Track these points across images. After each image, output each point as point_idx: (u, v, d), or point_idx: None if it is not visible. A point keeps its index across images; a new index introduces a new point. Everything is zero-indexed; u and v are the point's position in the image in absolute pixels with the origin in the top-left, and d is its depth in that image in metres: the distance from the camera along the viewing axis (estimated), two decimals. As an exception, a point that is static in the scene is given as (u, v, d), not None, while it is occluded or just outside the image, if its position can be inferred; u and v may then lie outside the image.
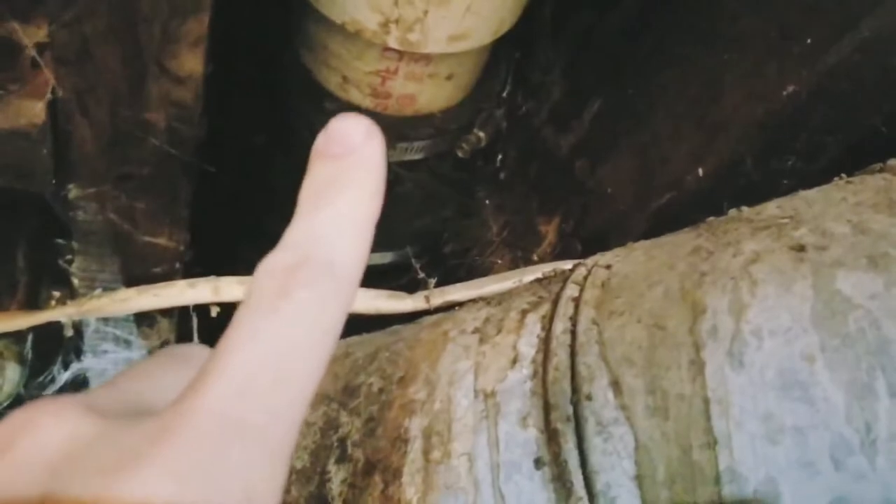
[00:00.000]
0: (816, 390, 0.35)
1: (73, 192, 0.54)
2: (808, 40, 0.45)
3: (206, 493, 0.21)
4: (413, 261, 0.70)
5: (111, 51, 0.44)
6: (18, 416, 0.24)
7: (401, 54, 0.59)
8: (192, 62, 0.43)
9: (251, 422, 0.22)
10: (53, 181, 0.52)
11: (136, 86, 0.45)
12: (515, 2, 0.59)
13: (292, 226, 0.26)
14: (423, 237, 0.80)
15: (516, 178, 0.77)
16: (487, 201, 0.79)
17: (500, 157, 0.74)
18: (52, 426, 0.23)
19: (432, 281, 0.57)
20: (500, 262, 0.78)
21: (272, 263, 0.24)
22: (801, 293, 0.38)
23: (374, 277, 0.65)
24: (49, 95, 0.47)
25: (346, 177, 0.26)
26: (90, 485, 0.21)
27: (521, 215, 0.77)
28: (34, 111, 0.47)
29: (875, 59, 0.44)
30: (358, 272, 0.25)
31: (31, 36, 0.45)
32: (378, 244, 0.72)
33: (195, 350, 0.30)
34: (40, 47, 0.46)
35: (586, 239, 0.69)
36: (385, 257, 0.79)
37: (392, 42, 0.56)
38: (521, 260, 0.75)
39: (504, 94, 0.70)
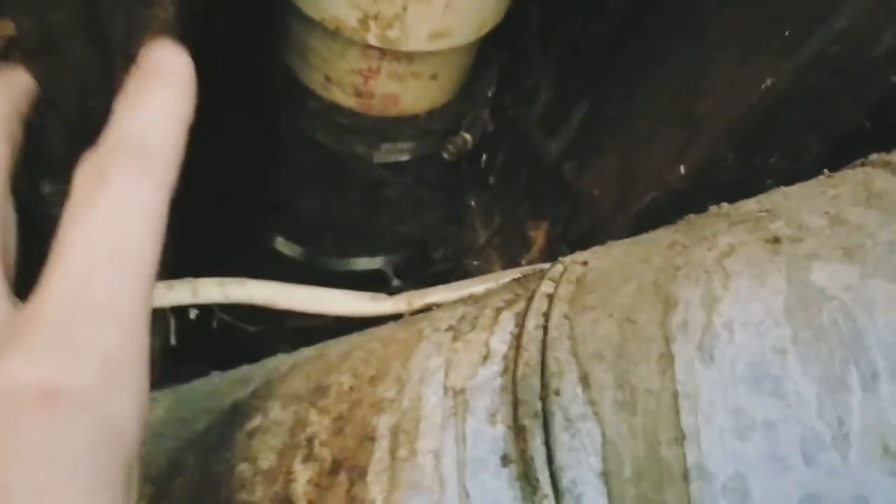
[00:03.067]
0: (788, 384, 0.34)
1: (47, 188, 0.53)
2: (787, 32, 0.44)
3: (67, 367, 0.23)
4: (388, 268, 0.69)
5: (77, 41, 0.43)
6: None
7: (382, 52, 0.58)
8: (159, 52, 0.43)
9: (96, 300, 0.24)
10: (26, 176, 0.52)
11: (104, 76, 0.45)
12: (497, 1, 0.58)
13: (105, 128, 0.28)
14: (412, 242, 0.79)
15: (506, 183, 0.77)
16: (477, 206, 0.78)
17: (483, 157, 0.74)
18: None
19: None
20: (489, 267, 0.77)
21: (88, 158, 0.27)
22: (774, 285, 0.37)
23: (362, 283, 0.64)
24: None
25: (153, 84, 0.28)
26: None
27: (510, 220, 0.76)
28: (4, 105, 0.46)
29: (853, 51, 0.43)
30: (171, 154, 0.27)
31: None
32: (365, 249, 0.71)
33: None
34: (9, 42, 0.45)
35: (573, 243, 0.68)
36: (374, 262, 0.78)
37: (372, 39, 0.56)
38: (511, 265, 0.74)
39: (489, 94, 0.69)
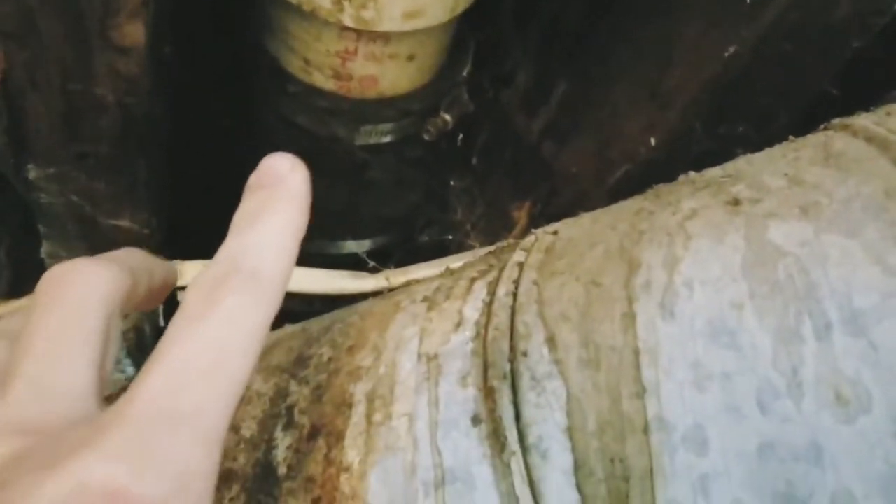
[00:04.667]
0: (744, 336, 0.35)
1: (33, 172, 0.54)
2: (747, 0, 0.45)
3: (141, 473, 0.23)
4: (362, 254, 0.70)
5: (55, 22, 0.44)
6: None
7: (358, 34, 0.59)
8: (134, 33, 0.44)
9: (182, 411, 0.24)
10: (12, 160, 0.53)
11: (83, 58, 0.46)
12: (470, -20, 0.59)
13: (222, 245, 0.28)
14: (396, 224, 0.80)
15: (488, 163, 0.77)
16: (460, 187, 0.79)
17: (460, 136, 0.75)
18: None
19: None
20: (474, 247, 0.77)
21: (202, 275, 0.27)
22: (732, 244, 0.38)
23: (348, 265, 0.65)
24: (0, 74, 0.48)
25: (271, 202, 0.29)
26: (30, 479, 0.23)
27: (494, 201, 0.77)
28: (-15, 89, 0.47)
29: (814, 17, 0.44)
30: (282, 281, 0.28)
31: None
32: (350, 231, 0.72)
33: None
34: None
35: (554, 220, 0.69)
36: (361, 245, 0.79)
37: (347, 20, 0.57)
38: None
39: (465, 74, 0.70)
